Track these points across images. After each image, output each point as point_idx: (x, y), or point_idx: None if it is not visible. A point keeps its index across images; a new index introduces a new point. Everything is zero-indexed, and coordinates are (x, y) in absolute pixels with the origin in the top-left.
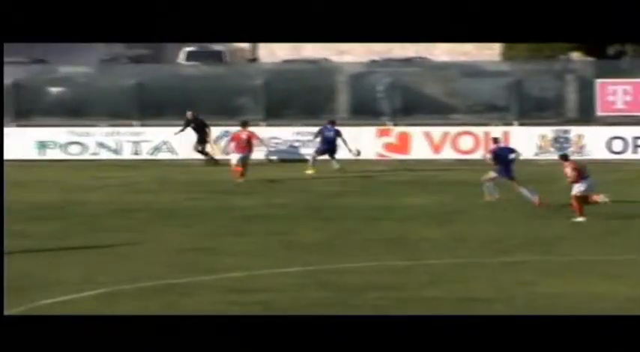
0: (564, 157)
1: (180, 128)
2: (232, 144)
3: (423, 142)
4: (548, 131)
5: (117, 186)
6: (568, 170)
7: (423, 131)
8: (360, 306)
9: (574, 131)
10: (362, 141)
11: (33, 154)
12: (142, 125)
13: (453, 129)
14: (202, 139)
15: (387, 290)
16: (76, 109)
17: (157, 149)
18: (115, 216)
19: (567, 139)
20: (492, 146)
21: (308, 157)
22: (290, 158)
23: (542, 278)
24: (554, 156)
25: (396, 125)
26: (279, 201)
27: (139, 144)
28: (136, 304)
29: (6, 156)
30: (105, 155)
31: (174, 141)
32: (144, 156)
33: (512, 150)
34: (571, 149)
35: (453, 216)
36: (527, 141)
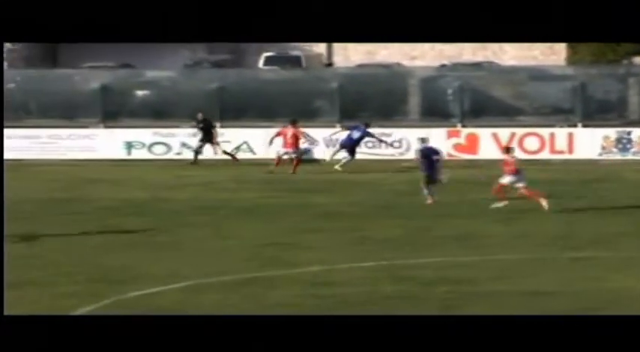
0: (508, 150)
1: (195, 130)
2: (278, 140)
3: (491, 143)
4: (611, 132)
5: (199, 185)
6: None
7: (490, 132)
8: (430, 300)
9: (636, 132)
10: (432, 142)
11: (121, 154)
12: (223, 126)
13: (520, 131)
14: (208, 140)
15: (457, 284)
16: (161, 111)
17: (237, 149)
18: (197, 212)
19: (630, 140)
20: (419, 146)
21: (378, 156)
22: (362, 157)
23: (608, 274)
24: (618, 156)
25: (464, 126)
26: (356, 199)
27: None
28: (218, 296)
29: (96, 155)
30: (188, 155)
31: (252, 141)
32: (225, 155)
33: (436, 152)
34: (633, 149)
35: (520, 214)
36: (591, 142)
